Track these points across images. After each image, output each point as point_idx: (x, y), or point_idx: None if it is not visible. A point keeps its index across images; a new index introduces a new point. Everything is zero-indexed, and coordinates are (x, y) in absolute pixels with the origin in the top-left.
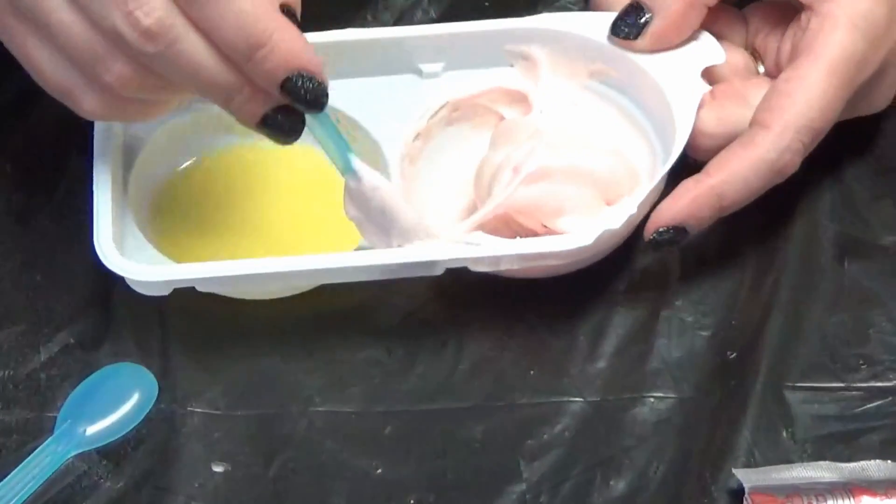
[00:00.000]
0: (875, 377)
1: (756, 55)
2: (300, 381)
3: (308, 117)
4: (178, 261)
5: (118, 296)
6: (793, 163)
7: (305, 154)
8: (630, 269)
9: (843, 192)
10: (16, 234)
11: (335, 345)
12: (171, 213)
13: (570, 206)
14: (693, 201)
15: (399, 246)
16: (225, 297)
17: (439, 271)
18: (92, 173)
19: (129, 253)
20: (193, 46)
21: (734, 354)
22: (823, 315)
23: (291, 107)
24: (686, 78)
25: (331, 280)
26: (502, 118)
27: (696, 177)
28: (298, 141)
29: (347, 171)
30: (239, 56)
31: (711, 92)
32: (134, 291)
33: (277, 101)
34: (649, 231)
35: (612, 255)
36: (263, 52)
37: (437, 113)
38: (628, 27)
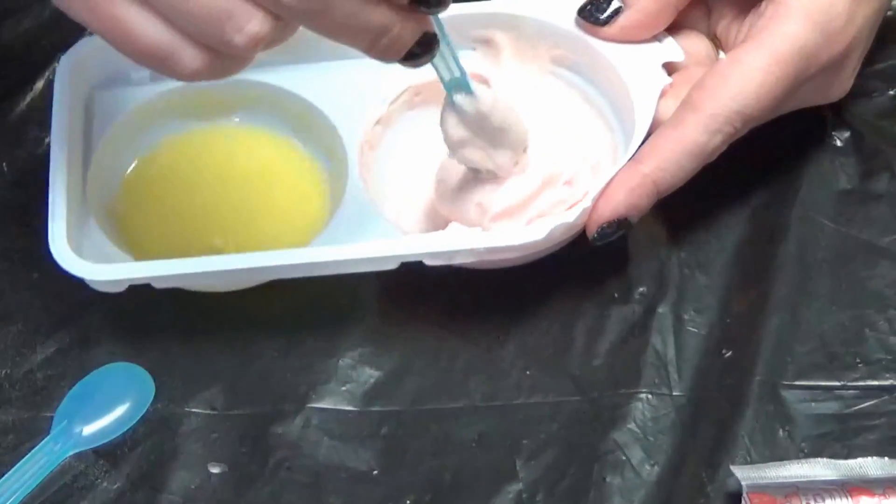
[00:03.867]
0: (871, 376)
1: (717, 43)
2: (297, 381)
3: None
4: (141, 251)
5: (116, 295)
6: (722, 145)
7: (264, 139)
8: (626, 267)
9: (841, 191)
10: (13, 234)
11: (332, 344)
12: (131, 203)
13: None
14: (630, 193)
15: (501, 164)
16: (224, 296)
17: (394, 265)
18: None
19: (87, 251)
20: None
21: (730, 353)
22: (820, 314)
23: (427, 35)
24: (647, 68)
25: (285, 276)
26: None
27: (628, 165)
28: (259, 126)
29: (465, 90)
30: None
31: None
32: (131, 291)
33: (418, 30)
34: (592, 228)
35: (609, 253)
36: None
37: (397, 98)
38: (599, 12)
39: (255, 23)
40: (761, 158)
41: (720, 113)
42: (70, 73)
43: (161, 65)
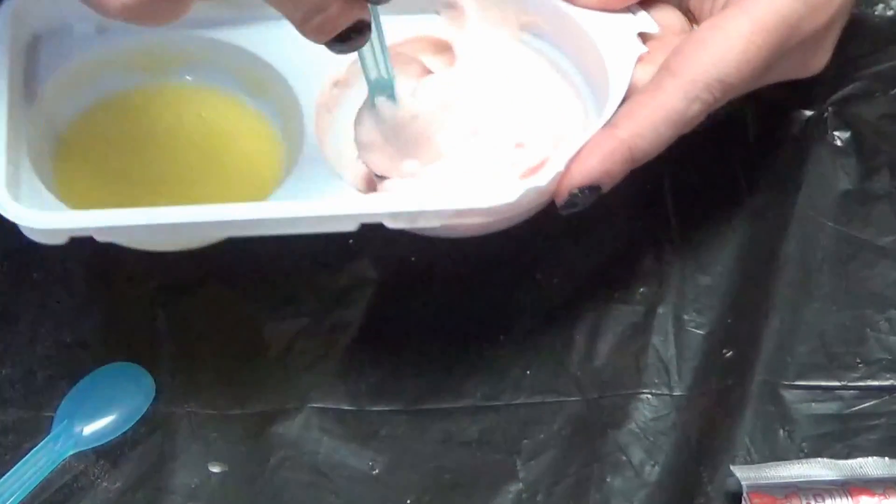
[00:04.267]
0: (872, 376)
1: (690, 16)
2: (297, 381)
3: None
4: (79, 209)
5: (116, 295)
6: (700, 114)
7: (216, 98)
8: (626, 267)
9: (841, 191)
10: (13, 232)
11: (332, 344)
12: (74, 159)
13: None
14: (605, 158)
15: (410, 175)
16: (223, 295)
17: (354, 226)
18: None
19: (25, 201)
20: None
21: (731, 353)
22: (820, 314)
23: (361, 23)
24: (621, 37)
25: (236, 233)
26: (426, 68)
27: (603, 130)
28: (211, 84)
29: (388, 94)
30: None
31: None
32: (131, 291)
33: (354, 16)
34: (562, 194)
35: (608, 252)
36: None
37: (356, 60)
38: None
39: None
40: (762, 158)
41: (700, 79)
42: (11, 21)
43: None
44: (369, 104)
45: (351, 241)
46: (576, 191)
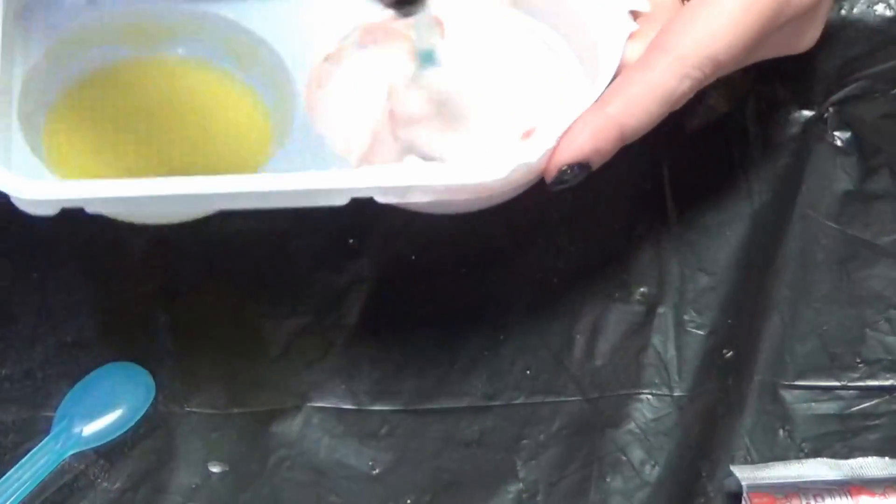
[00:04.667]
0: (872, 376)
1: None
2: (297, 381)
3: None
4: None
5: (116, 295)
6: (690, 91)
7: (207, 71)
8: (627, 267)
9: (841, 191)
10: (12, 232)
11: (332, 343)
12: (64, 132)
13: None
14: (594, 135)
15: (445, 152)
16: (223, 295)
17: (344, 201)
18: None
19: (16, 172)
20: None
21: (731, 353)
22: (820, 314)
23: None
24: (612, 14)
25: (227, 206)
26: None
27: (593, 107)
28: (202, 57)
29: (436, 64)
30: None
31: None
32: (131, 291)
33: None
34: (551, 172)
35: (608, 252)
36: None
37: (348, 36)
38: None
39: None
40: (762, 158)
41: (690, 56)
42: None
43: None
44: (413, 76)
45: (351, 240)
46: (565, 168)
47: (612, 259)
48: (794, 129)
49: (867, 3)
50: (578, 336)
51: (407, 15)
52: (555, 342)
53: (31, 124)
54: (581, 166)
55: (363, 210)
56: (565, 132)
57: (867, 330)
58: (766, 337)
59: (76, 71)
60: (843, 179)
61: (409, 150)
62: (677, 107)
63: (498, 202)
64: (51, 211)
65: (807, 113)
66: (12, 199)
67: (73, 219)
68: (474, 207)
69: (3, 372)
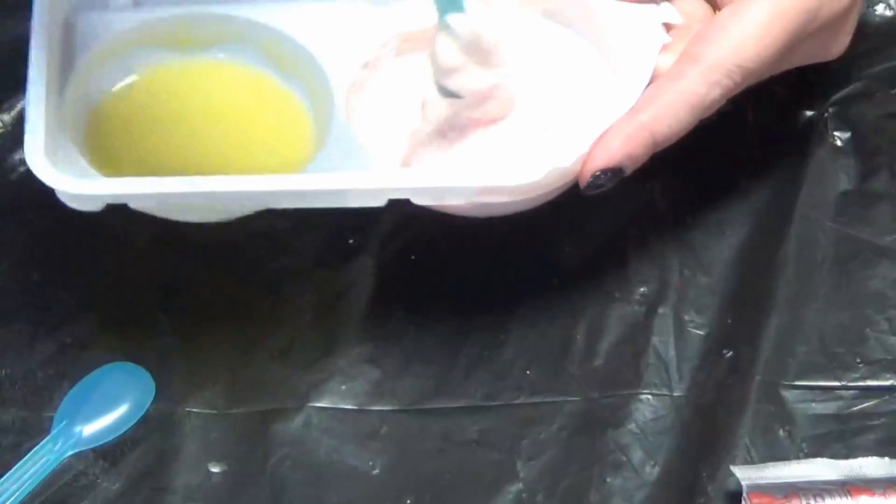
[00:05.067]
0: (872, 376)
1: (712, 3)
2: (297, 381)
3: None
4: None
5: (116, 295)
6: (721, 99)
7: (247, 76)
8: (627, 267)
9: (841, 191)
10: (12, 232)
11: (332, 343)
12: (107, 133)
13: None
14: (626, 141)
15: (491, 86)
16: (223, 295)
17: (381, 202)
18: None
19: (62, 169)
20: None
21: (731, 353)
22: (820, 314)
23: None
24: (646, 26)
25: (267, 204)
26: None
27: (626, 115)
28: (243, 62)
29: (458, 9)
30: None
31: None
32: (131, 291)
33: None
34: (585, 176)
35: (608, 252)
36: None
37: (386, 43)
38: None
39: None
40: (762, 158)
41: (720, 65)
42: None
43: None
44: (441, 29)
45: (351, 240)
46: (598, 173)
47: (612, 259)
48: (794, 129)
49: (867, 3)
50: (578, 336)
51: None
52: (555, 342)
53: (76, 124)
54: (614, 171)
55: (363, 209)
56: (599, 138)
57: (867, 330)
58: (766, 337)
59: (121, 73)
60: (843, 179)
61: (446, 137)
62: (708, 114)
63: (532, 206)
64: (96, 206)
65: (807, 113)
66: (58, 195)
67: (73, 218)
68: (509, 210)
69: (3, 372)
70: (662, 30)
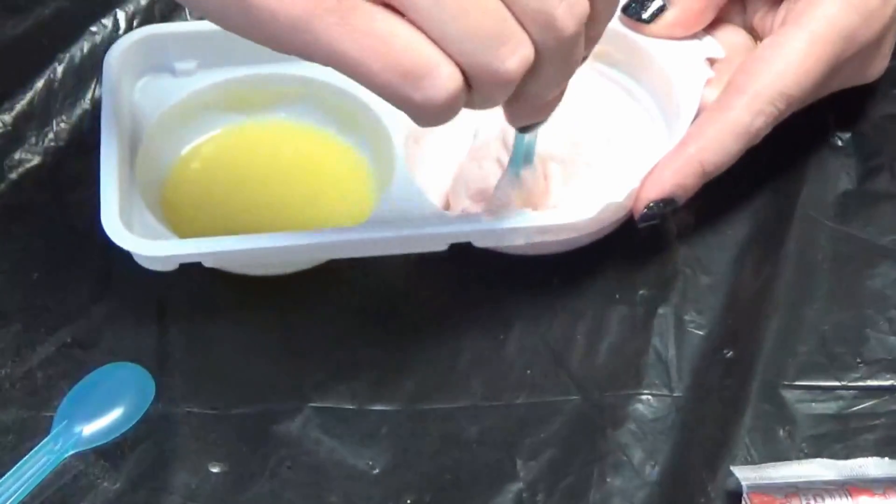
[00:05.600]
0: (872, 376)
1: (755, 34)
2: (297, 381)
3: None
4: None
5: (116, 295)
6: (766, 126)
7: (309, 133)
8: (628, 267)
9: (841, 191)
10: (12, 232)
11: (332, 343)
12: (178, 194)
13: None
14: (677, 172)
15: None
16: (223, 295)
17: (443, 246)
18: (99, 152)
19: (137, 231)
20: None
21: (731, 353)
22: (820, 314)
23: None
24: (690, 62)
25: (335, 255)
26: None
27: (676, 148)
28: (304, 120)
29: (530, 163)
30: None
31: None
32: (131, 291)
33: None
34: (639, 208)
35: (608, 252)
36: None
37: None
38: (643, 10)
39: (524, 48)
40: (762, 158)
41: (763, 93)
42: (119, 62)
43: (414, 83)
44: (511, 175)
45: None
46: (651, 204)
47: (612, 259)
48: (794, 129)
49: None
50: (579, 336)
51: (526, 131)
52: (555, 342)
53: (149, 188)
54: (666, 202)
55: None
56: (650, 171)
57: (867, 330)
58: (766, 337)
59: (189, 136)
60: (843, 179)
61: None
62: (755, 142)
63: (589, 242)
64: (170, 267)
65: (807, 113)
66: (134, 257)
67: (73, 219)
68: (568, 247)
69: (3, 372)
70: (706, 65)
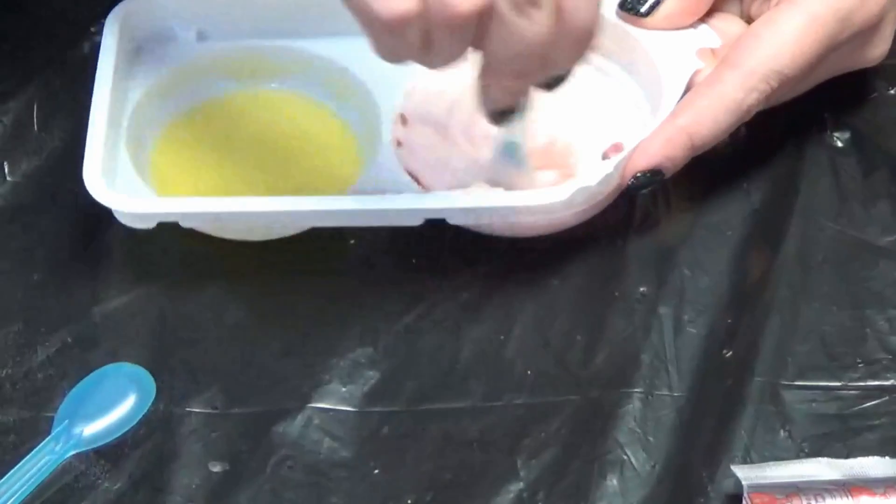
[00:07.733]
0: (872, 376)
1: (750, 21)
2: (297, 381)
3: None
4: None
5: (116, 295)
6: (757, 104)
7: (302, 104)
8: (627, 267)
9: (841, 191)
10: (13, 233)
11: (332, 344)
12: (166, 157)
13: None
14: (666, 143)
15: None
16: (223, 295)
17: (418, 221)
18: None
19: (119, 189)
20: None
21: (731, 353)
22: (821, 314)
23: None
24: (680, 53)
25: (311, 223)
26: None
27: (665, 121)
28: (298, 91)
29: (514, 155)
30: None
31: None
32: (131, 291)
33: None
34: (627, 177)
35: (608, 252)
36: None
37: (433, 78)
38: (640, 4)
39: None
40: (762, 159)
41: (758, 71)
42: (119, 27)
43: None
44: (489, 167)
45: (352, 241)
46: (639, 174)
47: (612, 259)
48: (794, 129)
49: None
50: (578, 336)
51: (507, 124)
52: (555, 342)
53: (138, 148)
54: (653, 172)
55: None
56: (640, 143)
57: (867, 330)
58: (766, 337)
59: (184, 101)
60: (842, 179)
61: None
62: (746, 119)
63: (568, 226)
64: (149, 224)
65: (807, 113)
66: (115, 214)
67: (73, 219)
68: (542, 231)
69: (4, 372)
70: (695, 57)
